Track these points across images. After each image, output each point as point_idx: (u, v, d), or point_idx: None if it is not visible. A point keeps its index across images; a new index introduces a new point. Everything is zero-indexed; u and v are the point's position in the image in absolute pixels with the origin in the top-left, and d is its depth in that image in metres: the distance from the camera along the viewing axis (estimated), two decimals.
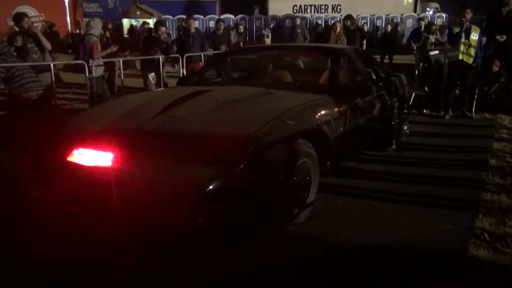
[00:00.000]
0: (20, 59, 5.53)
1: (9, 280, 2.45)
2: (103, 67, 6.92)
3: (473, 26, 6.66)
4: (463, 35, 6.57)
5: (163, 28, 7.92)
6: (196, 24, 9.76)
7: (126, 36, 20.19)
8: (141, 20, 22.67)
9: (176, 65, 8.41)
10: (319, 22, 21.97)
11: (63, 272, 2.49)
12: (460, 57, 6.64)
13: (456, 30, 6.70)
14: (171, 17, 24.25)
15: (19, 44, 5.78)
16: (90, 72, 6.43)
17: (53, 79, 5.86)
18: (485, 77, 7.32)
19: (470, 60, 6.65)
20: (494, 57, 7.19)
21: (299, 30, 12.66)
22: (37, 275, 2.47)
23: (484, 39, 6.85)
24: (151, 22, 18.32)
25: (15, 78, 4.92)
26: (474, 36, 6.62)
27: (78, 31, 21.43)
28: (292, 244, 2.82)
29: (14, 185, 3.35)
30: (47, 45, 6.09)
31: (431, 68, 8.09)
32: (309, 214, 3.13)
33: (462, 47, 6.59)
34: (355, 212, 3.30)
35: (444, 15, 23.01)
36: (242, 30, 16.44)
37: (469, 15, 6.64)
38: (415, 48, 10.21)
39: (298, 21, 13.47)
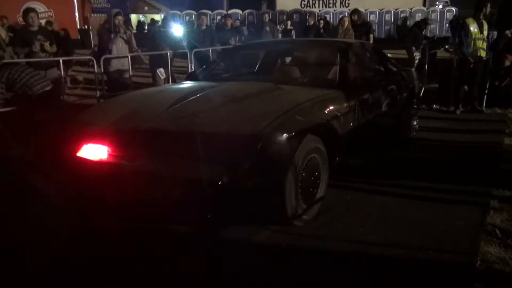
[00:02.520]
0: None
1: (13, 276, 2.47)
2: (120, 63, 6.82)
3: (483, 20, 6.58)
4: (477, 30, 6.47)
5: (171, 23, 7.93)
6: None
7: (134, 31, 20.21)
8: (149, 16, 22.71)
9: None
10: (327, 16, 21.81)
11: (73, 268, 2.51)
12: (479, 53, 6.54)
13: (473, 24, 6.53)
14: (178, 12, 24.22)
15: (37, 49, 5.80)
16: (98, 67, 6.43)
17: (62, 75, 5.87)
18: (496, 71, 7.24)
19: (484, 54, 6.58)
20: (505, 52, 7.10)
21: (267, 28, 11.39)
22: (44, 271, 2.49)
23: (495, 33, 6.76)
24: (158, 17, 18.32)
25: (15, 80, 4.96)
26: (486, 30, 6.54)
27: (86, 27, 21.51)
28: (300, 240, 2.81)
29: (24, 181, 3.38)
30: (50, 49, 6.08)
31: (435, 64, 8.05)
32: (318, 210, 3.12)
33: (480, 43, 6.49)
34: (365, 209, 3.28)
35: (454, 9, 22.74)
36: (238, 24, 16.11)
37: (488, 9, 6.53)
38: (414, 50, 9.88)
39: (266, 18, 12.09)
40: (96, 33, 9.78)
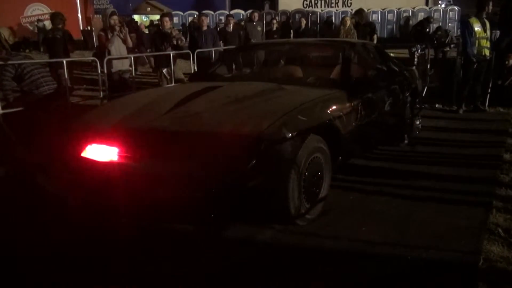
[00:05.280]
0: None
1: (18, 275, 2.49)
2: (120, 63, 6.83)
3: (485, 19, 6.57)
4: (481, 29, 6.45)
5: (166, 19, 7.92)
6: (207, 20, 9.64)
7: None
8: (151, 17, 22.74)
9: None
10: (330, 16, 21.78)
11: (74, 268, 2.53)
12: (483, 52, 6.51)
13: (477, 24, 6.50)
14: (181, 12, 24.24)
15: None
16: (102, 68, 6.45)
17: (67, 76, 5.90)
18: (499, 70, 7.22)
19: (488, 53, 6.57)
20: (508, 51, 7.08)
21: (274, 28, 11.07)
22: (47, 270, 2.51)
23: (498, 32, 6.75)
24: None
25: (25, 75, 4.97)
26: (488, 29, 6.54)
27: (89, 27, 21.55)
28: (303, 239, 2.82)
29: (30, 181, 3.40)
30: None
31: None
32: (321, 210, 3.13)
33: (484, 42, 6.48)
34: (368, 208, 3.29)
35: (456, 8, 22.68)
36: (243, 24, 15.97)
37: (490, 7, 6.51)
38: (418, 50, 9.78)
39: (275, 20, 11.67)
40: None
